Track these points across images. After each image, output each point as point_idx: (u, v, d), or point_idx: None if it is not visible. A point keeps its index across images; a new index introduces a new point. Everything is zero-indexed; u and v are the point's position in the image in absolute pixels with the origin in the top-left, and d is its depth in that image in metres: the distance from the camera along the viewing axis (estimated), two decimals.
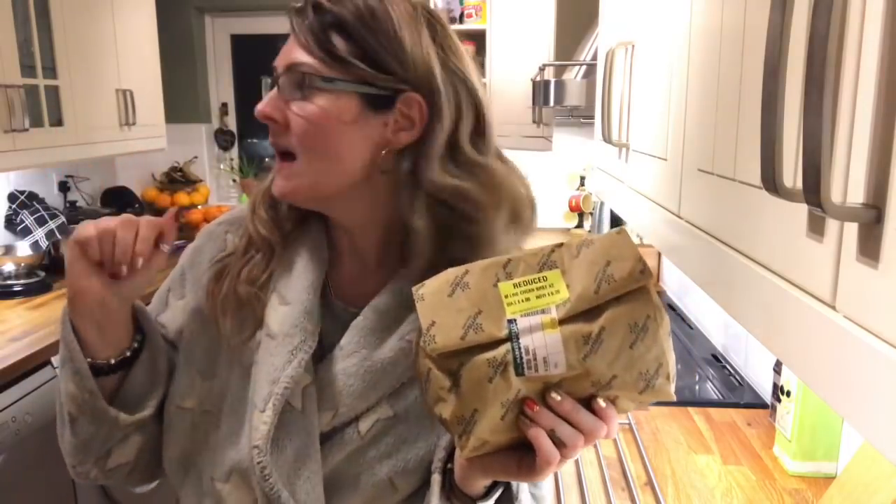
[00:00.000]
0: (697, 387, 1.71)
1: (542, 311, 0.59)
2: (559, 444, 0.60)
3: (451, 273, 0.62)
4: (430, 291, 0.62)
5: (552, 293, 0.59)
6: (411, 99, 0.72)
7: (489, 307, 0.60)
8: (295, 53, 0.72)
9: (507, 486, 0.74)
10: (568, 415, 0.60)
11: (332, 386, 0.74)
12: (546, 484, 0.83)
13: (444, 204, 0.73)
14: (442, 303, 0.60)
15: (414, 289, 0.63)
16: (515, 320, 0.59)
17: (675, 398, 0.63)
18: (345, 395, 0.74)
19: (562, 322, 0.58)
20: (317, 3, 0.71)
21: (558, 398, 0.59)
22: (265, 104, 0.73)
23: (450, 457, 0.74)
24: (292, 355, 0.74)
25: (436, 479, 0.73)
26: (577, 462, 1.29)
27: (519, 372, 0.58)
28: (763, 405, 1.51)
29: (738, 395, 1.59)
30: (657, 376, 0.60)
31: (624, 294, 0.59)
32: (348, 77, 0.71)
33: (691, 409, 1.51)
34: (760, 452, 1.32)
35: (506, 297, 0.60)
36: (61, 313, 0.77)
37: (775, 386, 1.32)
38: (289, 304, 0.76)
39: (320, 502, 0.75)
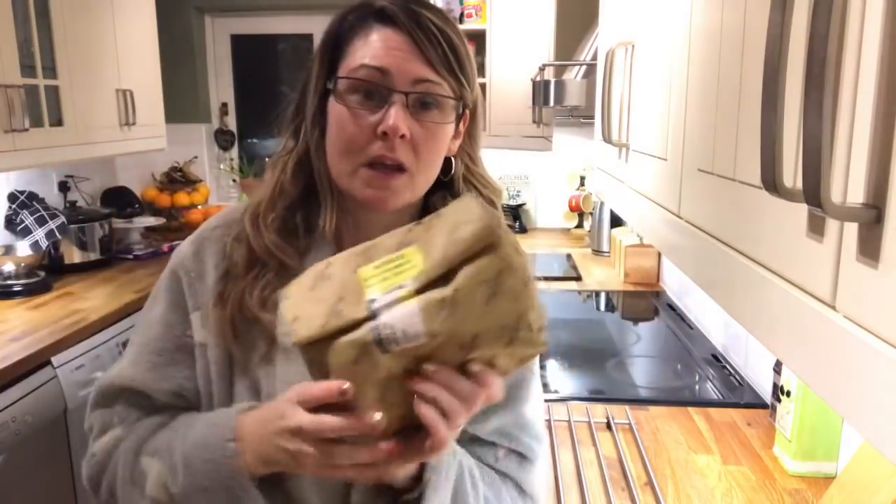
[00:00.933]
0: (697, 387, 1.71)
1: (400, 286, 0.59)
2: (444, 414, 0.60)
3: (314, 268, 0.63)
4: (294, 289, 0.62)
5: (409, 268, 0.59)
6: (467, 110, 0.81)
7: (350, 293, 0.60)
8: (423, 69, 0.74)
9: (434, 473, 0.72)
10: (444, 383, 0.60)
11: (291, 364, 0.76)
12: (539, 483, 0.83)
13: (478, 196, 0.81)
14: (304, 297, 0.61)
15: (282, 290, 0.63)
16: (374, 299, 0.59)
17: (546, 348, 0.63)
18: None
19: (418, 292, 0.58)
20: (430, 18, 0.74)
21: (431, 368, 0.60)
22: (401, 122, 0.72)
23: None
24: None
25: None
26: (577, 462, 1.29)
27: (384, 349, 0.58)
28: (763, 405, 1.51)
29: (738, 395, 1.59)
30: (519, 328, 0.60)
31: (474, 255, 0.58)
32: (458, 96, 0.77)
33: (691, 409, 1.51)
34: (760, 452, 1.32)
35: (365, 280, 0.60)
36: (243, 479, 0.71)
37: (775, 386, 1.32)
38: None
39: (340, 497, 0.76)
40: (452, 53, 0.75)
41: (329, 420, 0.60)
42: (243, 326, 0.77)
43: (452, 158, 0.83)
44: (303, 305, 0.60)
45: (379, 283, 0.60)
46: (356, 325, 0.59)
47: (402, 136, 0.73)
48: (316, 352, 0.60)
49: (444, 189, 0.83)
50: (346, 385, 0.58)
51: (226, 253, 0.81)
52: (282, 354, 0.76)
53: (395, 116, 0.72)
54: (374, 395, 0.60)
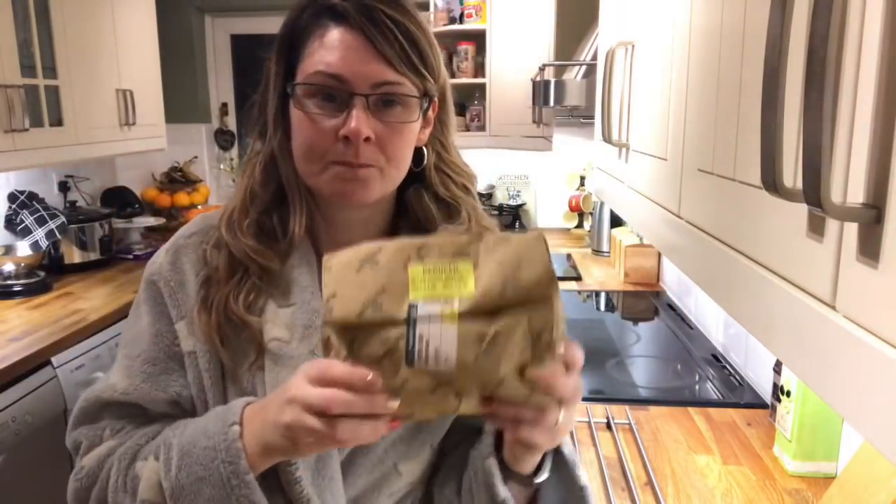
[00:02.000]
0: (697, 387, 1.71)
1: (445, 301, 0.57)
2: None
3: (364, 248, 0.61)
4: (339, 263, 0.60)
5: (459, 285, 0.58)
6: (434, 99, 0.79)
7: (394, 287, 0.58)
8: (381, 71, 0.72)
9: (561, 455, 0.74)
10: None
11: None
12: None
13: (451, 185, 0.83)
14: (347, 276, 0.59)
15: (325, 257, 0.61)
16: (417, 305, 0.57)
17: (557, 419, 0.62)
18: None
19: (461, 316, 0.57)
20: (384, 11, 0.71)
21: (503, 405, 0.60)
22: (363, 125, 0.71)
23: (498, 441, 0.74)
24: (314, 355, 0.73)
25: (492, 463, 0.73)
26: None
27: (409, 360, 0.57)
28: (763, 405, 1.51)
29: (738, 395, 1.59)
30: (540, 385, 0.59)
31: (527, 300, 0.57)
32: (422, 91, 0.75)
33: (691, 409, 1.51)
34: (760, 452, 1.32)
35: (413, 280, 0.58)
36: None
37: (775, 386, 1.32)
38: (292, 304, 0.76)
39: (342, 502, 0.76)
40: (412, 48, 0.72)
41: (342, 395, 0.58)
42: (230, 332, 0.76)
43: (424, 148, 0.81)
44: (344, 284, 0.59)
45: (425, 289, 0.58)
46: (393, 323, 0.58)
47: (367, 139, 0.72)
48: (342, 334, 0.59)
49: (417, 181, 0.82)
50: (373, 376, 0.57)
51: (205, 260, 0.79)
52: (270, 361, 0.75)
53: (357, 120, 0.71)
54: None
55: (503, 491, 0.72)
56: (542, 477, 0.73)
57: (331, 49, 0.71)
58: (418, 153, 0.80)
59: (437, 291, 0.58)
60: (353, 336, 0.58)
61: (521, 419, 0.61)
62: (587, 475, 0.76)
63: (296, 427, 0.61)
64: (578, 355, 0.62)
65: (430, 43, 0.75)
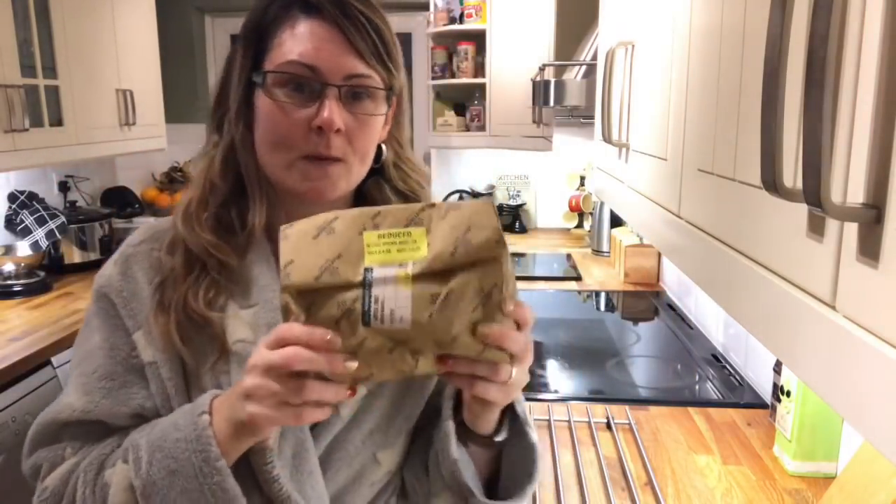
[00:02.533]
0: (697, 387, 1.71)
1: (400, 265, 0.60)
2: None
3: (320, 217, 0.62)
4: (296, 232, 0.62)
5: (413, 249, 0.60)
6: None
7: (349, 253, 0.60)
8: (353, 63, 0.73)
9: (515, 414, 0.76)
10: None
11: None
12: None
13: (409, 180, 0.85)
14: (305, 243, 0.61)
15: (282, 227, 0.63)
16: (372, 269, 0.60)
17: (507, 360, 0.64)
18: None
19: (414, 278, 0.59)
20: (356, 6, 0.73)
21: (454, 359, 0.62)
22: (336, 116, 0.71)
23: (458, 405, 0.76)
24: None
25: (450, 426, 0.74)
26: (577, 462, 1.29)
27: (366, 321, 0.59)
28: (763, 405, 1.51)
29: (738, 395, 1.59)
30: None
31: (477, 261, 0.60)
32: (388, 85, 0.76)
33: (691, 409, 1.51)
34: (760, 452, 1.32)
35: (368, 245, 0.61)
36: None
37: (775, 386, 1.32)
38: (254, 305, 0.76)
39: (324, 496, 0.75)
40: (381, 43, 0.74)
41: (303, 352, 0.58)
42: (191, 331, 0.74)
43: (382, 145, 0.82)
44: (301, 251, 0.61)
45: (380, 254, 0.60)
46: (348, 286, 0.59)
47: (338, 130, 0.72)
48: (300, 299, 0.60)
49: (377, 174, 0.83)
50: (332, 335, 0.58)
51: (158, 266, 0.78)
52: (236, 363, 0.73)
53: (330, 110, 0.71)
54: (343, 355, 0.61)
55: (455, 451, 0.74)
56: (502, 436, 0.75)
57: (303, 40, 0.72)
58: (378, 150, 0.81)
59: (392, 256, 0.60)
60: (311, 300, 0.60)
61: (476, 375, 0.63)
62: (537, 435, 0.79)
63: (258, 391, 0.60)
64: (529, 314, 0.65)
65: (395, 40, 0.77)
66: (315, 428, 0.76)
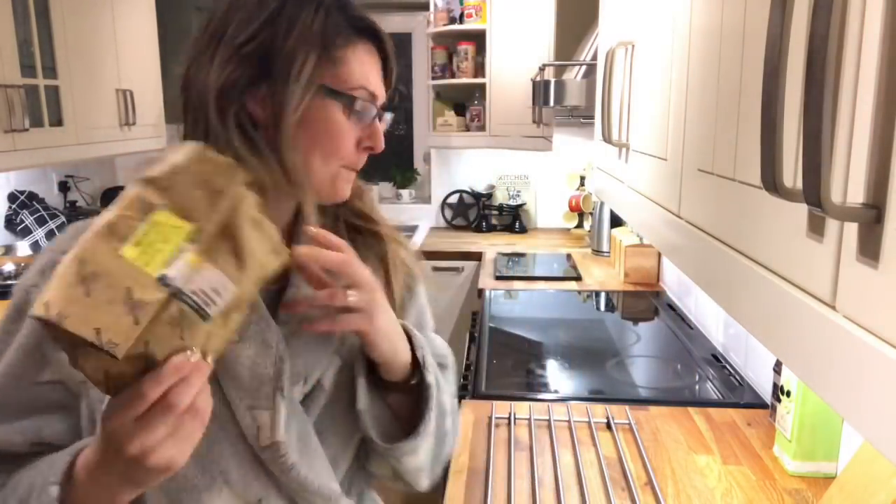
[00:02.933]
0: (697, 387, 1.71)
1: (180, 252, 0.57)
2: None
3: (64, 270, 0.55)
4: (66, 305, 0.54)
5: (175, 232, 0.57)
6: None
7: (134, 280, 0.55)
8: (384, 93, 0.81)
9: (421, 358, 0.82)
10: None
11: (298, 357, 0.76)
12: (455, 385, 0.93)
13: None
14: (88, 306, 0.54)
15: (42, 317, 0.54)
16: (165, 275, 0.56)
17: (345, 296, 0.72)
18: (309, 361, 0.78)
19: (204, 253, 0.57)
20: (388, 40, 0.80)
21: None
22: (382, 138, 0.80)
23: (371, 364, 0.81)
24: (270, 347, 0.74)
25: (360, 382, 0.80)
26: (577, 462, 1.29)
27: (203, 316, 0.57)
28: (763, 405, 1.51)
29: (738, 395, 1.59)
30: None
31: (228, 198, 0.59)
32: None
33: (691, 409, 1.51)
34: (760, 452, 1.32)
35: (136, 260, 0.56)
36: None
37: (775, 386, 1.32)
38: None
39: (327, 466, 0.79)
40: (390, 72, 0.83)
41: (184, 391, 0.56)
42: None
43: None
44: (94, 315, 0.53)
45: (154, 259, 0.56)
46: (163, 305, 0.55)
47: (375, 139, 0.79)
48: (139, 350, 0.55)
49: None
50: (191, 362, 0.57)
51: None
52: None
53: (381, 136, 0.79)
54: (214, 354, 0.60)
55: (362, 403, 0.80)
56: (415, 379, 0.82)
57: (365, 64, 0.77)
58: None
59: (165, 252, 0.56)
60: (145, 341, 0.55)
61: (315, 310, 0.72)
62: (435, 376, 0.83)
63: (160, 444, 0.57)
64: (322, 232, 0.73)
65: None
66: (304, 403, 0.78)
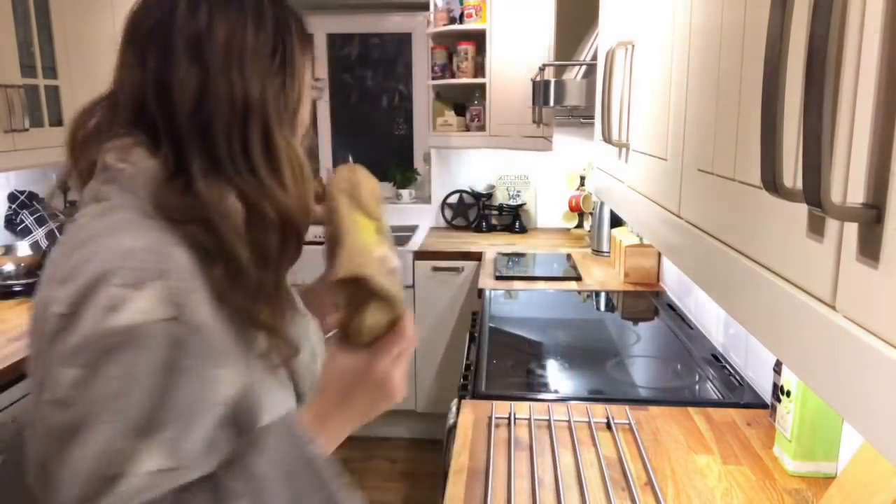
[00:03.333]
0: (697, 387, 1.71)
1: (379, 242, 0.79)
2: None
3: (377, 250, 0.77)
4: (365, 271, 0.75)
5: (369, 227, 0.81)
6: None
7: (382, 257, 0.77)
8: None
9: None
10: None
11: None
12: None
13: None
14: (379, 273, 0.75)
15: (358, 274, 0.74)
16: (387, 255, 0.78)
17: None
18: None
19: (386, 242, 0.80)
20: None
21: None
22: None
23: None
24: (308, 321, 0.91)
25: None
26: (577, 462, 1.29)
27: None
28: (763, 405, 1.51)
29: (738, 395, 1.59)
30: None
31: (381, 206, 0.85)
32: None
33: (691, 409, 1.51)
34: (760, 452, 1.32)
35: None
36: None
37: (775, 386, 1.32)
38: None
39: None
40: None
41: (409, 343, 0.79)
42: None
43: None
44: (381, 280, 0.75)
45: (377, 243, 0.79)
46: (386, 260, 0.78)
47: None
48: (396, 316, 0.78)
49: None
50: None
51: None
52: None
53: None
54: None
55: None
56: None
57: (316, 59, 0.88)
58: None
59: (374, 240, 0.79)
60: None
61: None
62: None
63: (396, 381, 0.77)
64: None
65: None
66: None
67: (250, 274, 0.73)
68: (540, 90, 2.33)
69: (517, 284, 2.61)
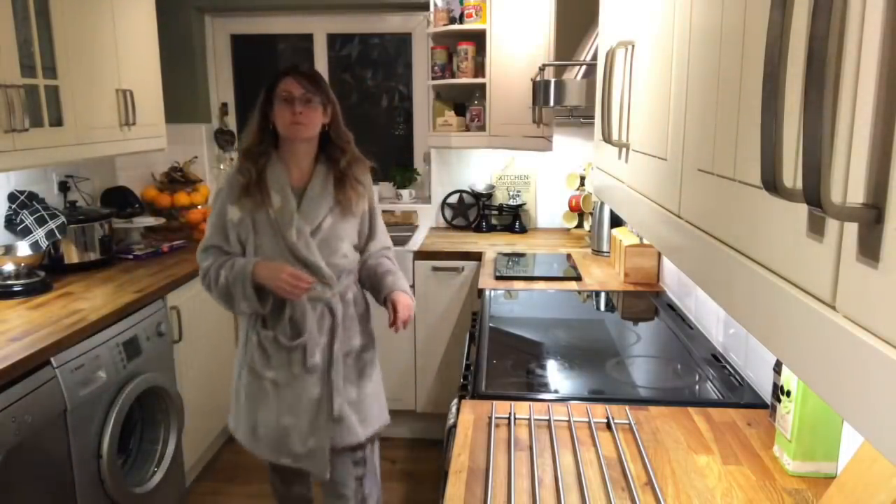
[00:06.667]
0: (697, 387, 1.71)
1: None
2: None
3: None
4: None
5: None
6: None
7: None
8: (298, 88, 1.99)
9: None
10: None
11: (308, 211, 1.92)
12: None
13: (338, 140, 2.00)
14: None
15: None
16: None
17: None
18: (312, 214, 1.92)
19: None
20: (304, 71, 2.02)
21: None
22: (300, 106, 2.01)
23: None
24: (291, 207, 1.91)
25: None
26: (577, 462, 1.29)
27: None
28: (763, 405, 1.51)
29: (738, 395, 1.59)
30: None
31: None
32: (325, 99, 1.98)
33: (691, 409, 1.51)
34: (760, 452, 1.32)
35: None
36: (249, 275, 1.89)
37: (775, 386, 1.32)
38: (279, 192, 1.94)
39: (321, 264, 1.96)
40: (317, 82, 1.92)
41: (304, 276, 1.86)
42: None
43: (325, 124, 1.97)
44: None
45: None
46: None
47: (301, 113, 1.87)
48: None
49: (326, 136, 1.98)
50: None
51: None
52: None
53: (297, 105, 1.88)
54: None
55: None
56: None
57: (288, 84, 1.89)
58: (322, 127, 1.96)
59: None
60: None
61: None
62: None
63: (282, 285, 1.85)
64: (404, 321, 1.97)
65: (326, 83, 1.96)
66: (313, 233, 1.92)
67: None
68: (540, 90, 2.33)
69: (517, 284, 2.61)
